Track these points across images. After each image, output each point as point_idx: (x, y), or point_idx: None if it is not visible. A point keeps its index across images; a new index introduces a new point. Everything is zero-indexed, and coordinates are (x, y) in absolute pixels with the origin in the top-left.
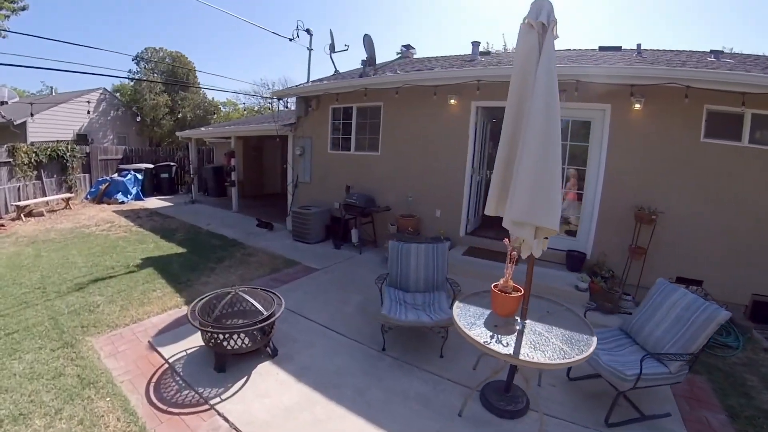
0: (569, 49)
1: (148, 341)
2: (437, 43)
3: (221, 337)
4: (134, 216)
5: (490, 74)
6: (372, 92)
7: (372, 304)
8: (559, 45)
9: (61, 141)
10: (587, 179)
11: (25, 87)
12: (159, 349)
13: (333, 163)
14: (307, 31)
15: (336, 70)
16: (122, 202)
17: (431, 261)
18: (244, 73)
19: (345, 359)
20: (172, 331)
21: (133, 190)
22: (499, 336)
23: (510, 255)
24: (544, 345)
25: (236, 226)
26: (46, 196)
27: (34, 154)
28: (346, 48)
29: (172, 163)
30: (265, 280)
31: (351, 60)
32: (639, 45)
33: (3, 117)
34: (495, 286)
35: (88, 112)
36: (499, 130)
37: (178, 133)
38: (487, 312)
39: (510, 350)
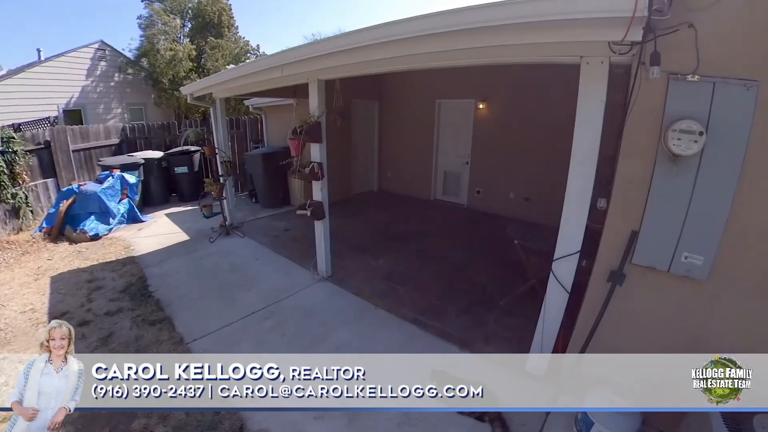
0: None
1: None
2: None
3: None
4: (83, 308)
5: None
6: None
7: None
8: None
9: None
10: None
11: (17, 63)
12: None
13: None
14: None
15: None
16: (95, 236)
17: None
18: (286, 25)
19: None
20: None
21: (121, 208)
22: None
23: None
24: None
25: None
26: None
27: None
28: None
29: (193, 149)
30: None
31: None
32: None
33: None
34: None
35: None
36: None
37: (183, 90)
38: None
39: None
